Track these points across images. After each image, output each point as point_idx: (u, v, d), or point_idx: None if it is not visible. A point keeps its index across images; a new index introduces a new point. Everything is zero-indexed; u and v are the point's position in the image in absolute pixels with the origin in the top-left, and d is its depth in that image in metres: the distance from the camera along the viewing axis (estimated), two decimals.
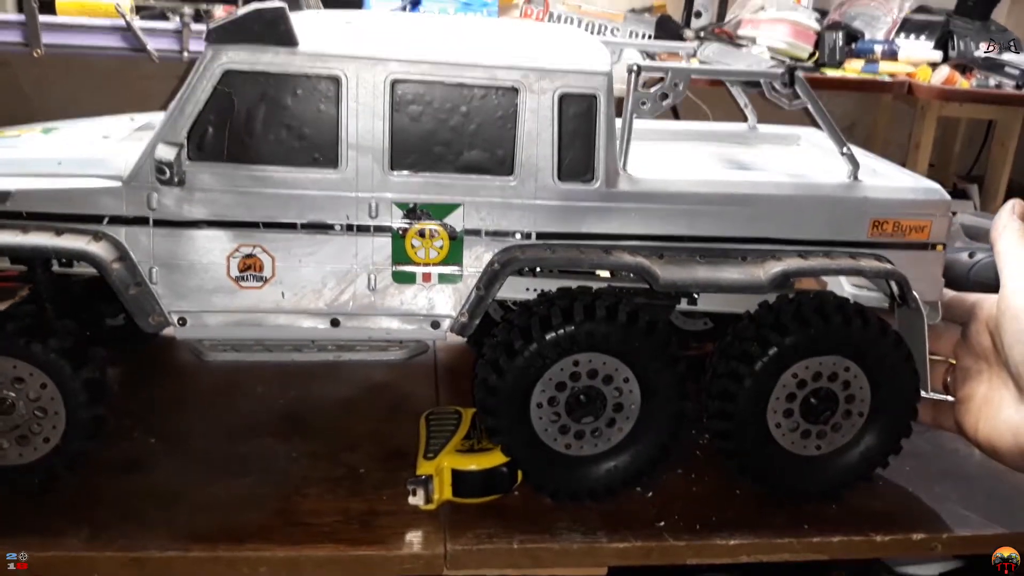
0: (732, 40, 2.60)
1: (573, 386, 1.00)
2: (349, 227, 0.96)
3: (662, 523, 1.00)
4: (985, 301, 1.06)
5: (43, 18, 1.85)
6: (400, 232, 0.97)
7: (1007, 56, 2.53)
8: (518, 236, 0.98)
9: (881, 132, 3.00)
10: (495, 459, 1.03)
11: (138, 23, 1.85)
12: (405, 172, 0.96)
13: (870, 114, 3.05)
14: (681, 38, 2.53)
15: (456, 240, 0.98)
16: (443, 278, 0.99)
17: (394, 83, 0.94)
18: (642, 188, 1.00)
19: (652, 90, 1.00)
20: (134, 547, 0.92)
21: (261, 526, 0.96)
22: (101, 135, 1.08)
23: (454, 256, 0.98)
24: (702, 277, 0.99)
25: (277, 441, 1.13)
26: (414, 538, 0.96)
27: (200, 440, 1.13)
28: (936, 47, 2.60)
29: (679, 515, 1.02)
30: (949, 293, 1.11)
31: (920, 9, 2.75)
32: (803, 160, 1.24)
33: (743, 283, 0.99)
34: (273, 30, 0.91)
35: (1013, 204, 1.05)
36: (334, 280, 0.98)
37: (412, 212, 0.97)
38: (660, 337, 0.99)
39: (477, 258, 0.99)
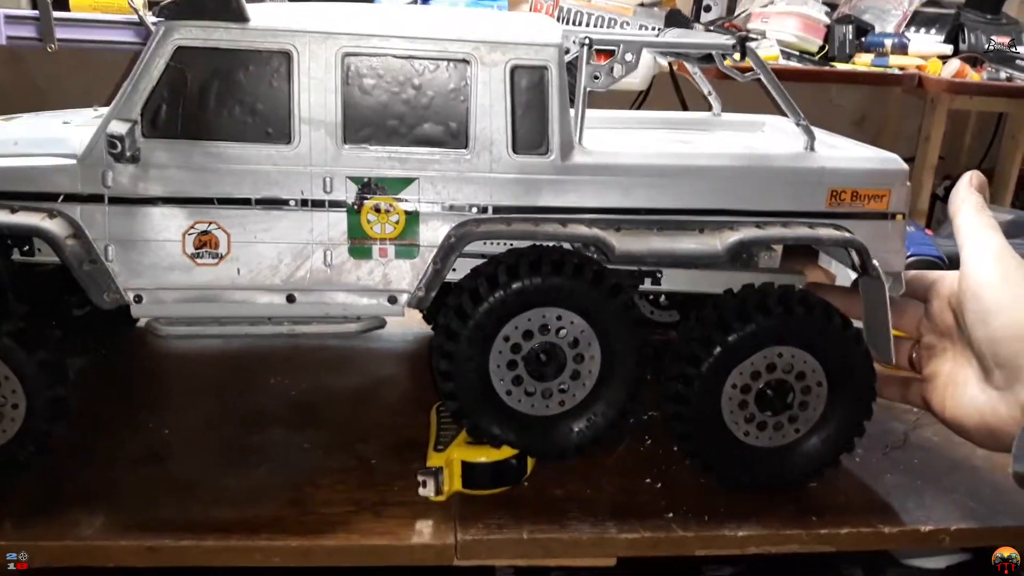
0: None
1: (530, 345, 1.01)
2: (304, 202, 0.97)
3: (671, 514, 1.01)
4: (946, 278, 1.05)
5: (57, 14, 1.86)
6: (355, 207, 0.98)
7: (1018, 49, 2.52)
8: (474, 210, 0.99)
9: (891, 125, 2.99)
10: (504, 451, 1.04)
11: (151, 18, 1.86)
12: (359, 146, 0.97)
13: (880, 108, 3.04)
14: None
15: (412, 214, 0.99)
16: (400, 253, 1.00)
17: (345, 57, 0.95)
18: (598, 160, 1.01)
19: (603, 63, 1.01)
20: (149, 536, 0.93)
21: (274, 516, 0.97)
22: (62, 121, 1.09)
23: (410, 231, 0.99)
24: (657, 247, 0.99)
25: (289, 432, 1.15)
26: (425, 528, 0.97)
27: (213, 431, 1.15)
28: (947, 40, 2.58)
29: (688, 506, 1.03)
30: (910, 272, 1.10)
31: (930, 2, 2.74)
32: (764, 141, 1.24)
33: (699, 253, 1.00)
34: (224, 5, 0.93)
35: (970, 176, 1.04)
36: (290, 256, 0.98)
37: (367, 187, 0.97)
38: (595, 276, 0.99)
39: (434, 232, 0.99)
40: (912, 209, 2.49)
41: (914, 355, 1.10)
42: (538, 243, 1.01)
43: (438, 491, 1.01)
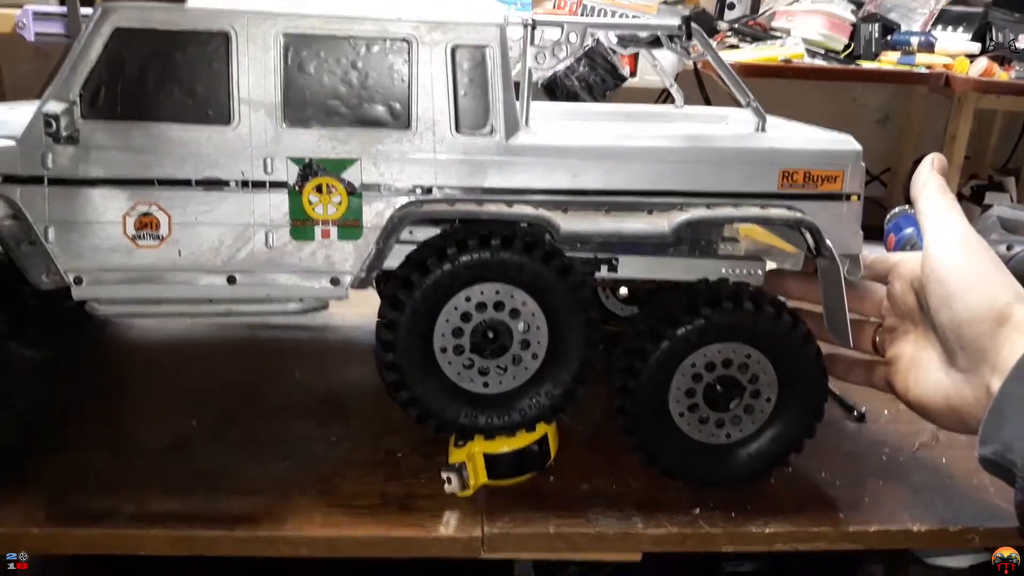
0: (765, 32, 2.58)
1: (479, 319, 0.99)
2: (244, 183, 0.96)
3: (697, 510, 1.01)
4: (908, 260, 1.04)
5: (84, 10, 1.87)
6: (296, 188, 0.97)
7: None
8: (419, 191, 0.98)
9: (916, 124, 2.97)
10: (525, 439, 1.04)
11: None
12: (299, 127, 0.96)
13: (905, 106, 3.02)
14: (715, 31, 2.52)
15: (355, 195, 0.98)
16: (343, 234, 0.99)
17: (284, 37, 0.95)
18: (543, 141, 1.00)
19: (547, 44, 1.02)
20: (179, 526, 0.94)
21: (302, 507, 0.98)
22: (8, 108, 1.09)
23: (353, 212, 0.98)
24: (604, 228, 0.99)
25: (315, 425, 1.15)
26: (452, 521, 0.97)
27: (240, 423, 1.15)
28: (974, 39, 2.57)
29: (714, 502, 1.02)
30: (871, 255, 1.09)
31: (957, 1, 2.72)
32: (720, 128, 1.22)
33: (646, 233, 0.99)
34: None
35: (932, 159, 1.02)
36: (231, 238, 0.98)
37: (308, 167, 0.97)
38: (530, 251, 0.97)
39: (377, 214, 0.98)
40: None
41: (877, 338, 1.09)
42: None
43: (464, 486, 1.01)
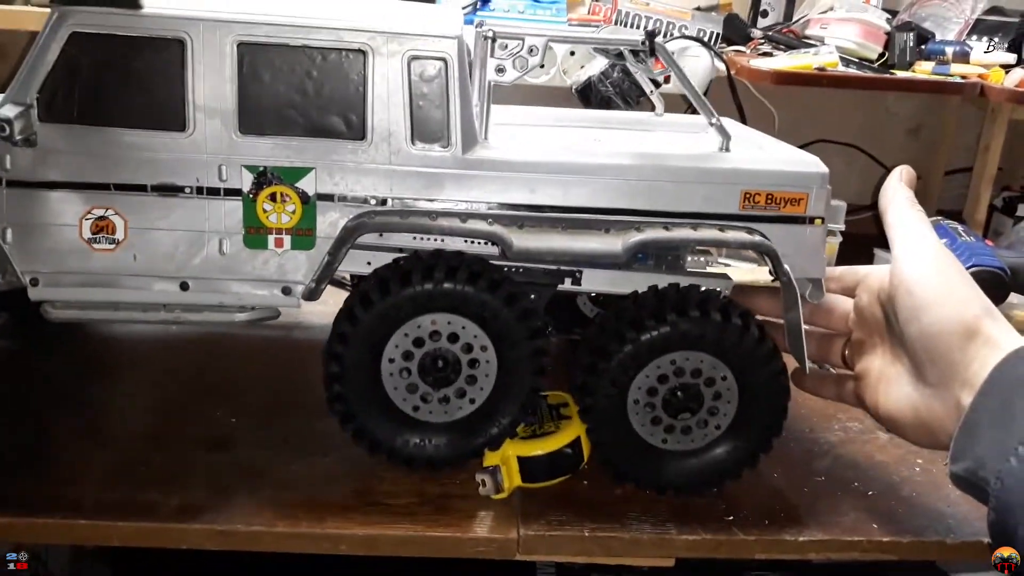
0: (799, 40, 2.57)
1: (425, 350, 1.01)
2: (199, 190, 0.98)
3: (731, 517, 1.02)
4: (875, 273, 1.04)
5: None
6: (251, 195, 0.98)
7: None
8: (373, 201, 0.99)
9: (948, 135, 2.94)
10: (558, 441, 1.05)
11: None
12: (254, 135, 0.97)
13: (937, 116, 2.99)
14: (748, 37, 2.51)
15: (309, 205, 0.99)
16: (296, 243, 1.00)
17: (240, 45, 0.95)
18: (501, 156, 1.00)
19: (506, 55, 1.02)
20: (221, 520, 0.96)
21: (341, 505, 1.00)
22: None
23: (307, 221, 0.99)
24: (557, 246, 0.99)
25: None
26: (488, 522, 0.99)
27: (279, 421, 1.17)
28: (1010, 49, 2.54)
29: (747, 510, 1.03)
30: (840, 267, 1.09)
31: (993, 10, 2.69)
32: (697, 142, 1.21)
33: (598, 252, 0.99)
34: None
35: (901, 171, 1.01)
36: (186, 244, 0.99)
37: (263, 175, 0.98)
38: (491, 284, 0.98)
39: (331, 224, 1.00)
40: (970, 219, 2.46)
41: (846, 352, 1.09)
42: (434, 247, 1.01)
43: (498, 489, 1.03)
